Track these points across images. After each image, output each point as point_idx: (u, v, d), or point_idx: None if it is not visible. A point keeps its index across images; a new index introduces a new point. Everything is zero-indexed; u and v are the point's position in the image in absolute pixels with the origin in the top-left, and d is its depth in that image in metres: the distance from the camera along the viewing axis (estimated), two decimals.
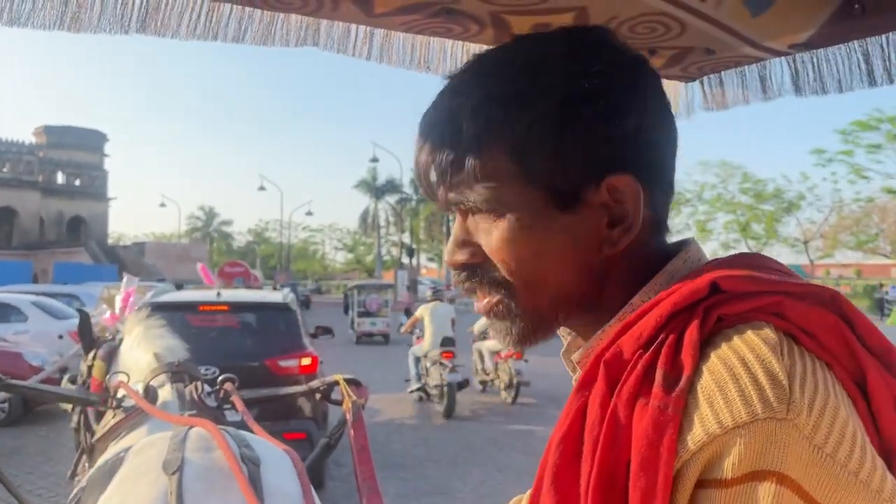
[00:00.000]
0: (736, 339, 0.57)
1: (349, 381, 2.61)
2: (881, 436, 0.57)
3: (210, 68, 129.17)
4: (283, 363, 5.90)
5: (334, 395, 2.70)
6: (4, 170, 44.29)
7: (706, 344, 0.58)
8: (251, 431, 1.98)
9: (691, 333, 0.58)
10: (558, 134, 0.65)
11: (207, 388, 2.37)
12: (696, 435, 0.53)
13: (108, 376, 2.58)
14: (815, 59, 1.09)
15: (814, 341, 0.59)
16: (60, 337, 11.16)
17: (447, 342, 9.89)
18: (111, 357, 2.74)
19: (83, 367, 2.88)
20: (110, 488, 1.56)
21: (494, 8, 0.96)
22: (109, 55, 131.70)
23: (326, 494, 5.67)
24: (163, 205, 60.09)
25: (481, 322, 10.76)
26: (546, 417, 9.26)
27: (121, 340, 2.76)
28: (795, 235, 35.30)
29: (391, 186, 51.28)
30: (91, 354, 2.84)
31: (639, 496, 0.54)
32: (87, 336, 2.95)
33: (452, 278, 0.76)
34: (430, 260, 58.52)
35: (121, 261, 38.20)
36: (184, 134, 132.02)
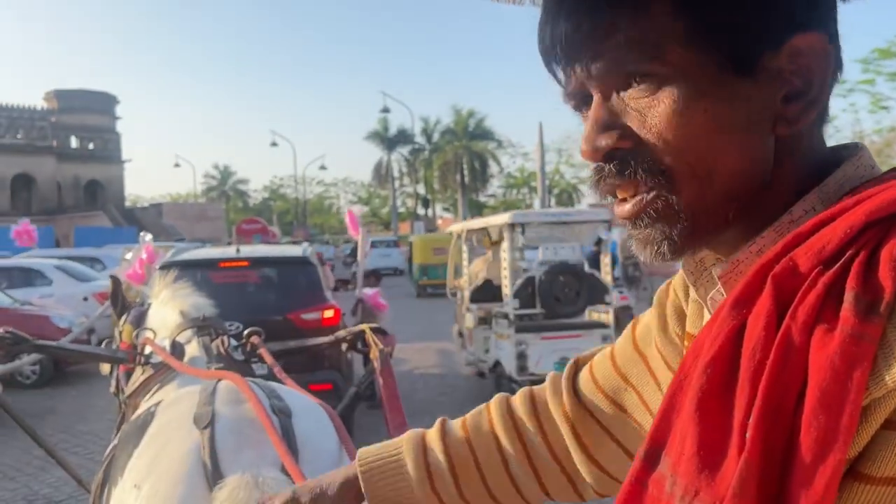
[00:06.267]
0: None
1: (375, 331, 2.61)
2: None
3: (213, 20, 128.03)
4: (306, 316, 5.93)
5: (361, 346, 2.71)
6: (18, 136, 44.34)
7: None
8: (280, 383, 1.98)
9: (891, 250, 0.48)
10: None
11: (234, 342, 2.37)
12: (895, 371, 0.45)
13: (134, 333, 2.60)
14: None
15: None
16: (85, 299, 11.31)
17: None
18: (140, 320, 2.77)
19: (116, 333, 2.91)
20: (143, 444, 1.56)
21: None
22: (113, 13, 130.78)
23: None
24: (177, 165, 60.08)
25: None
26: None
27: (149, 305, 2.77)
28: None
29: (403, 137, 50.88)
30: (122, 319, 2.86)
31: (816, 435, 0.45)
32: (118, 301, 2.97)
33: (592, 175, 0.63)
34: (446, 210, 58.44)
35: (139, 223, 38.53)
36: (193, 92, 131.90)
